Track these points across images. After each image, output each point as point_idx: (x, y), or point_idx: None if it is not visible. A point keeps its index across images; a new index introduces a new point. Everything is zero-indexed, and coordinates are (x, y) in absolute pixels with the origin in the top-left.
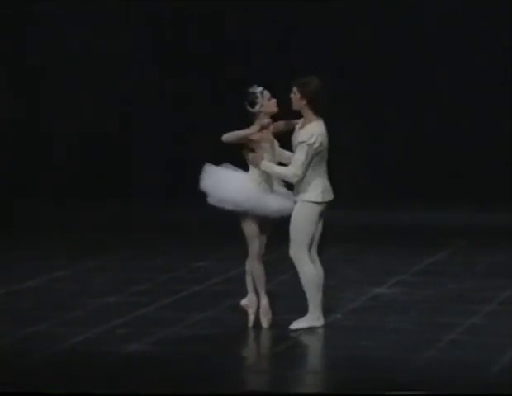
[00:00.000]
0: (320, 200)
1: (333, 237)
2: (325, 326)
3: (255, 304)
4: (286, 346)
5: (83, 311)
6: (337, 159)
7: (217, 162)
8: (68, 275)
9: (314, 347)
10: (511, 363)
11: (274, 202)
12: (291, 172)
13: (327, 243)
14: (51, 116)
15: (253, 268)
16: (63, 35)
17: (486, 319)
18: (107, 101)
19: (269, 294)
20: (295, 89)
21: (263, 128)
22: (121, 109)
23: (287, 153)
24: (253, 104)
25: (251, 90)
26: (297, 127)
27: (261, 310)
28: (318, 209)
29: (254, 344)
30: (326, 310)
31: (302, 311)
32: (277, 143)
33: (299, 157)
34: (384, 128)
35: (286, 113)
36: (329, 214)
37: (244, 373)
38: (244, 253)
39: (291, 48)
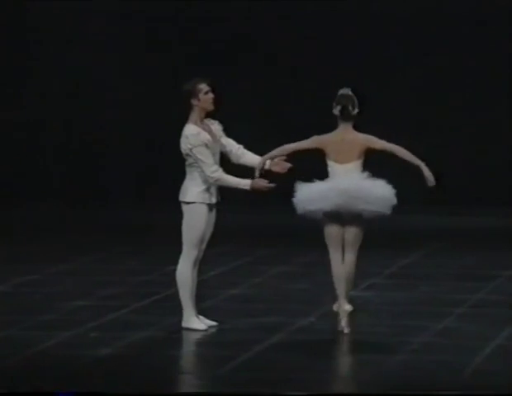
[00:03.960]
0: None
1: (307, 240)
2: (299, 330)
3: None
4: (261, 349)
5: (56, 314)
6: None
7: None
8: (41, 279)
9: (287, 351)
10: (484, 365)
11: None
12: None
13: (302, 247)
14: (51, 117)
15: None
16: (63, 35)
17: (459, 322)
18: (107, 102)
19: (245, 297)
20: (209, 88)
21: None
22: (121, 111)
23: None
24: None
25: (345, 92)
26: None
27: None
28: None
29: (228, 347)
30: (301, 313)
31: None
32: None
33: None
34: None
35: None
36: (304, 219)
37: (216, 374)
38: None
39: (290, 47)
